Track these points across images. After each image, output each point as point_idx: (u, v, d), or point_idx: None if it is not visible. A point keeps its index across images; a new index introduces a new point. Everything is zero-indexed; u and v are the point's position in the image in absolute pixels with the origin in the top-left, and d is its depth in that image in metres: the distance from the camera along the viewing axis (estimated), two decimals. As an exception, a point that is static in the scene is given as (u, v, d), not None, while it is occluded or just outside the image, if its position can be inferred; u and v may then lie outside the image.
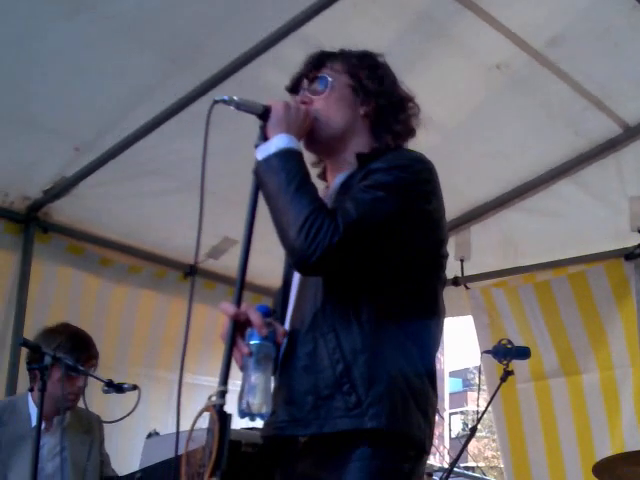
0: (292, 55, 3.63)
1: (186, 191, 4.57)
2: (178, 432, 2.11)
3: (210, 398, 2.07)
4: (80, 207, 5.01)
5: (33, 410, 3.84)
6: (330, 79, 2.44)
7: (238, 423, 2.20)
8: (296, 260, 2.17)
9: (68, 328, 4.06)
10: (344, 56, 2.51)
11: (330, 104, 2.42)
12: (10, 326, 4.88)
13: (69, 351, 3.83)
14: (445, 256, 2.41)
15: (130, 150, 4.56)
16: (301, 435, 2.22)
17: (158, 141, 4.52)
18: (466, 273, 5.87)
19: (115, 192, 4.94)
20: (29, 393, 3.92)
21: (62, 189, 4.86)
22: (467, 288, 5.95)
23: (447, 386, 33.42)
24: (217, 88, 4.14)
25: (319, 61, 2.49)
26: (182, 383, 2.21)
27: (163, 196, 5.04)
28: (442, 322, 2.39)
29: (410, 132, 2.50)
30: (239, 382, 2.17)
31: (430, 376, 2.29)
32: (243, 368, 2.17)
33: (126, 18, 3.79)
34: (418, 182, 2.29)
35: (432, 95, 4.22)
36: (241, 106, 2.30)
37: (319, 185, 2.35)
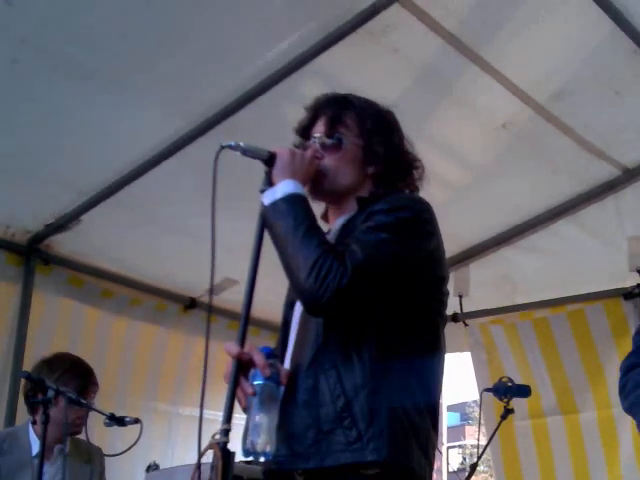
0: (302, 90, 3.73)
1: (185, 232, 4.64)
2: (199, 464, 2.12)
3: (214, 436, 2.09)
4: (81, 240, 5.04)
5: (34, 439, 3.87)
6: (344, 141, 2.49)
7: (238, 457, 2.21)
8: (307, 302, 2.23)
9: (67, 356, 4.10)
10: (358, 112, 2.55)
11: (341, 165, 2.48)
12: (11, 357, 4.89)
13: (72, 379, 3.89)
14: (446, 294, 2.46)
15: (130, 187, 4.61)
16: (300, 470, 2.24)
17: (159, 179, 4.57)
18: (465, 310, 5.88)
19: (116, 227, 4.97)
20: (30, 423, 3.93)
21: (64, 223, 4.89)
22: (466, 325, 5.96)
23: (445, 420, 33.25)
24: (218, 126, 4.22)
25: (334, 114, 2.53)
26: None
27: (164, 233, 5.09)
28: (443, 359, 2.42)
29: (412, 189, 2.56)
30: (238, 415, 2.19)
31: (432, 413, 2.31)
32: (247, 408, 2.21)
33: (134, 81, 3.93)
34: (418, 222, 2.35)
35: (437, 152, 4.32)
36: (247, 152, 2.34)
37: (323, 227, 2.40)
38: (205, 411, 2.15)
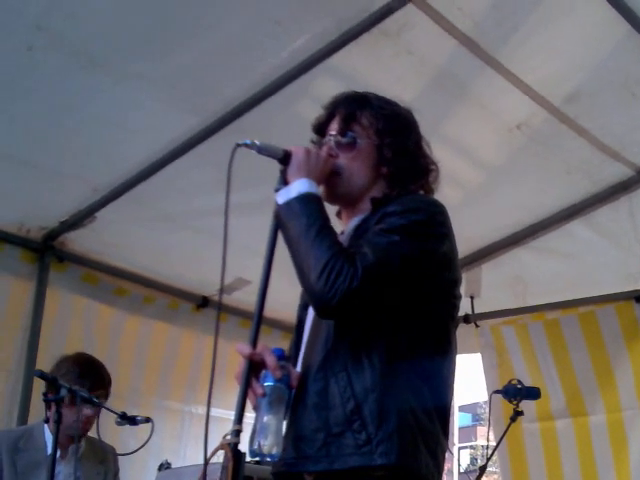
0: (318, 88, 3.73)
1: (199, 230, 4.64)
2: (206, 465, 2.13)
3: (225, 437, 2.10)
4: (96, 238, 5.06)
5: (49, 438, 3.89)
6: (359, 140, 2.48)
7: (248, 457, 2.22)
8: (316, 304, 2.22)
9: (80, 356, 4.11)
10: (375, 110, 2.52)
11: (355, 164, 2.47)
12: (25, 355, 4.91)
13: (76, 378, 3.88)
14: (458, 297, 2.45)
15: (145, 184, 4.62)
16: (309, 472, 2.24)
17: (173, 177, 4.57)
18: (476, 311, 5.87)
19: (130, 225, 5.00)
20: (45, 423, 3.97)
21: (78, 220, 4.90)
22: (477, 326, 5.96)
23: (456, 420, 33.22)
24: (233, 124, 4.22)
25: (349, 112, 2.51)
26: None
27: (177, 231, 5.10)
28: (454, 362, 2.41)
29: (427, 191, 2.55)
30: (249, 414, 2.20)
31: (441, 417, 2.30)
32: (256, 408, 2.21)
33: (148, 76, 3.93)
34: (432, 224, 2.33)
35: (451, 153, 4.32)
36: (262, 150, 2.34)
37: (337, 226, 2.39)
38: (216, 410, 2.16)
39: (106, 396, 4.05)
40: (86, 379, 3.94)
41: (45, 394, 3.78)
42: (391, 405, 2.17)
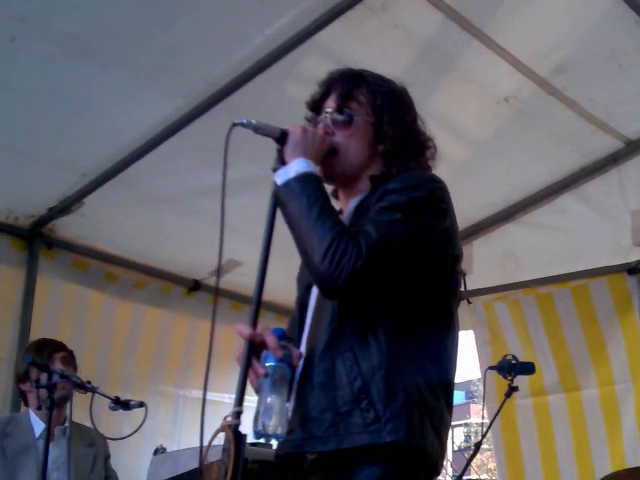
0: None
1: (188, 212, 4.61)
2: (202, 446, 2.11)
3: (226, 418, 2.08)
4: (85, 223, 5.04)
5: (35, 421, 3.98)
6: (355, 117, 2.44)
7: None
8: (322, 284, 2.20)
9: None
10: (371, 87, 2.49)
11: (351, 142, 2.44)
12: (16, 342, 4.90)
13: (35, 353, 3.94)
14: (460, 272, 2.45)
15: (133, 168, 4.60)
16: (316, 452, 2.22)
17: (161, 160, 4.55)
18: (468, 287, 5.84)
19: (119, 209, 4.98)
20: (28, 407, 4.04)
21: (67, 206, 4.88)
22: (469, 303, 5.95)
23: (450, 399, 33.26)
24: (219, 105, 4.20)
25: (346, 89, 2.48)
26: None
27: (166, 214, 5.08)
28: (457, 338, 2.40)
29: (424, 168, 2.52)
30: (249, 397, 2.18)
31: (446, 393, 2.31)
32: (259, 390, 2.19)
33: (134, 61, 3.90)
34: (432, 201, 2.32)
35: (439, 127, 4.29)
36: (259, 130, 2.30)
37: (335, 205, 2.37)
38: (209, 393, 2.14)
39: (74, 366, 4.11)
40: (44, 347, 4.05)
41: (36, 381, 3.78)
42: (398, 383, 2.17)
